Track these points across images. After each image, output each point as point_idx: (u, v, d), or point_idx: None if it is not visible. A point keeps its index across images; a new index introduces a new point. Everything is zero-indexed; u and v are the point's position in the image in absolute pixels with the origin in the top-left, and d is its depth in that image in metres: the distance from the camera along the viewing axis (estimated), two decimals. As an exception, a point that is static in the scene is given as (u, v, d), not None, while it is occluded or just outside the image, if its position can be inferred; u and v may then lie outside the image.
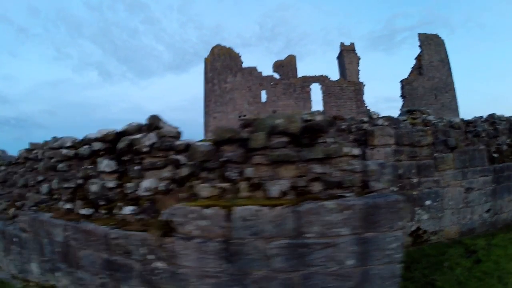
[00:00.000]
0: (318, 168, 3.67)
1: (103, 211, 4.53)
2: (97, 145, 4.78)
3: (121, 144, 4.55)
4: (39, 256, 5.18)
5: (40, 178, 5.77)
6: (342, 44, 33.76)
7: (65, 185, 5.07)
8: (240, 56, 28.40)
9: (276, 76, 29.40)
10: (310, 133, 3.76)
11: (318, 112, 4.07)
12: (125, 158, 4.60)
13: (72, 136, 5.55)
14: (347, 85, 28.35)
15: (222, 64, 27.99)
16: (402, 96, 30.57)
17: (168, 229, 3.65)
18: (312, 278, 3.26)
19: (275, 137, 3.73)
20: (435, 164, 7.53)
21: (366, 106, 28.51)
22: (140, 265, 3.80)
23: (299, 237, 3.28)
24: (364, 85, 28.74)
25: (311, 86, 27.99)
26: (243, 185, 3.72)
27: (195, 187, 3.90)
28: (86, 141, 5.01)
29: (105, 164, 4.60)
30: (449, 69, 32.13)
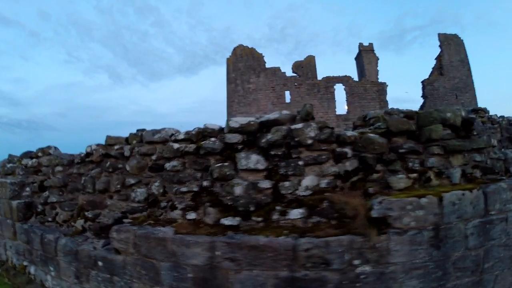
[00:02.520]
0: (477, 157, 3.93)
1: (258, 219, 3.29)
2: (233, 137, 3.54)
3: (274, 136, 3.42)
4: (150, 285, 3.67)
5: (131, 180, 4.27)
6: (361, 45, 32.61)
7: (183, 189, 3.72)
8: (263, 56, 27.03)
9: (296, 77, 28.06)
10: (465, 126, 3.93)
11: (463, 109, 4.21)
12: (275, 152, 3.43)
13: (173, 128, 4.21)
14: (370, 85, 27.03)
15: (245, 65, 26.53)
16: (424, 96, 29.32)
17: (381, 226, 3.17)
18: (491, 251, 3.48)
19: (444, 129, 3.79)
20: (504, 159, 7.74)
21: (389, 107, 27.22)
22: (338, 275, 3.11)
23: (486, 215, 3.49)
24: (387, 86, 27.42)
25: (334, 87, 26.64)
26: (431, 174, 3.66)
27: (386, 178, 3.55)
28: (209, 132, 3.76)
29: (255, 160, 3.39)
30: (468, 69, 30.90)
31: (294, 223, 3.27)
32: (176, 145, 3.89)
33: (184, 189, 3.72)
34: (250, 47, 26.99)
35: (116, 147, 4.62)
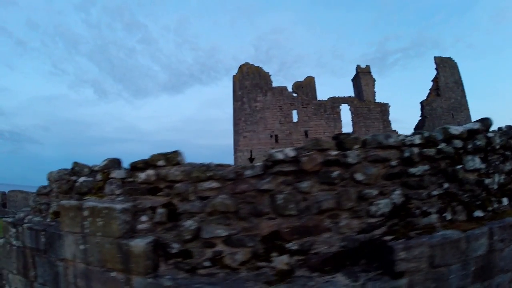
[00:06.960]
0: None
1: (489, 208, 4.52)
2: (459, 143, 4.57)
3: (481, 142, 4.65)
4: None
5: (373, 192, 3.97)
6: (358, 67, 34.93)
7: (434, 193, 4.26)
8: (270, 75, 28.33)
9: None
10: None
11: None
12: (479, 155, 4.62)
13: (376, 134, 4.36)
14: (374, 106, 28.85)
15: (251, 83, 27.80)
16: (423, 116, 31.56)
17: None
18: None
19: None
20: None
21: (392, 127, 29.06)
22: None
23: None
24: (389, 106, 29.42)
25: (340, 107, 28.22)
26: None
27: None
28: (433, 137, 4.47)
29: (479, 162, 4.58)
30: (462, 90, 34.04)
31: (506, 208, 4.63)
32: (416, 150, 4.23)
33: (435, 192, 4.26)
34: (256, 65, 28.20)
35: (333, 152, 3.96)
